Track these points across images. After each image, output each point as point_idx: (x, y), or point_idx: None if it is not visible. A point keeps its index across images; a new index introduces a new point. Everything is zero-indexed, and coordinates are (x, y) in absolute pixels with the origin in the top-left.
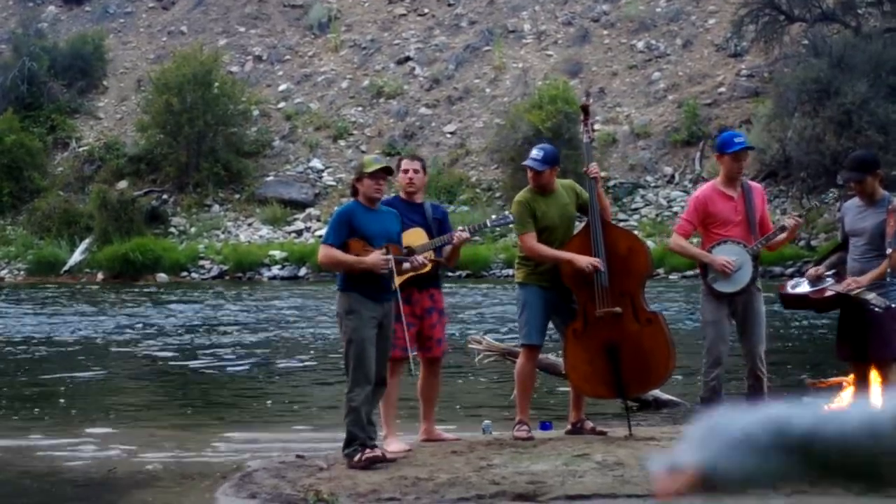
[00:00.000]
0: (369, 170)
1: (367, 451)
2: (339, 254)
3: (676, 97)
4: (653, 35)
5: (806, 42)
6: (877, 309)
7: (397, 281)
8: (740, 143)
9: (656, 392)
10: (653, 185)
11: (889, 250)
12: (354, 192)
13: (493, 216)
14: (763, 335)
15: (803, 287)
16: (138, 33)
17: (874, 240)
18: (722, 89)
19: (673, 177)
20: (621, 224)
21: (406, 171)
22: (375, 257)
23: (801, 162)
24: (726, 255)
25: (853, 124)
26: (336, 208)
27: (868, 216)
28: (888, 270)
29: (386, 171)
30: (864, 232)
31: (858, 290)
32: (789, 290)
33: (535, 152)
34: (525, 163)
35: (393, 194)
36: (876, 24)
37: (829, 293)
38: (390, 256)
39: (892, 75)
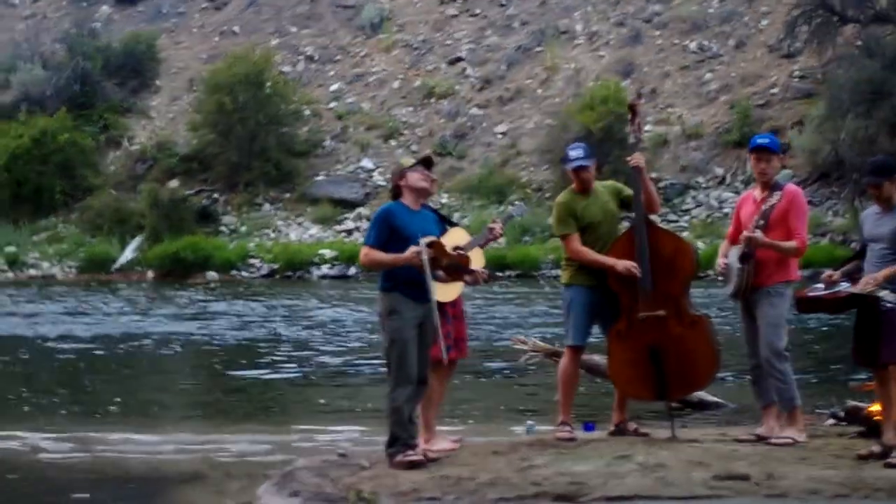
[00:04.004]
0: (410, 164)
1: (410, 451)
2: (378, 254)
3: (728, 98)
4: (705, 36)
5: (859, 43)
6: (889, 304)
7: (458, 290)
8: (752, 142)
9: (701, 393)
10: (704, 186)
11: None
12: (395, 195)
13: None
14: (769, 336)
15: (818, 291)
16: (191, 33)
17: (892, 244)
18: (774, 90)
19: (724, 178)
20: (672, 225)
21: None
22: (411, 253)
23: (853, 164)
24: (730, 256)
25: None
26: (377, 209)
27: (886, 221)
28: None
29: (426, 163)
30: (882, 237)
31: (873, 289)
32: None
33: (575, 151)
34: (571, 165)
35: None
36: None
37: (843, 293)
38: (422, 247)
39: None
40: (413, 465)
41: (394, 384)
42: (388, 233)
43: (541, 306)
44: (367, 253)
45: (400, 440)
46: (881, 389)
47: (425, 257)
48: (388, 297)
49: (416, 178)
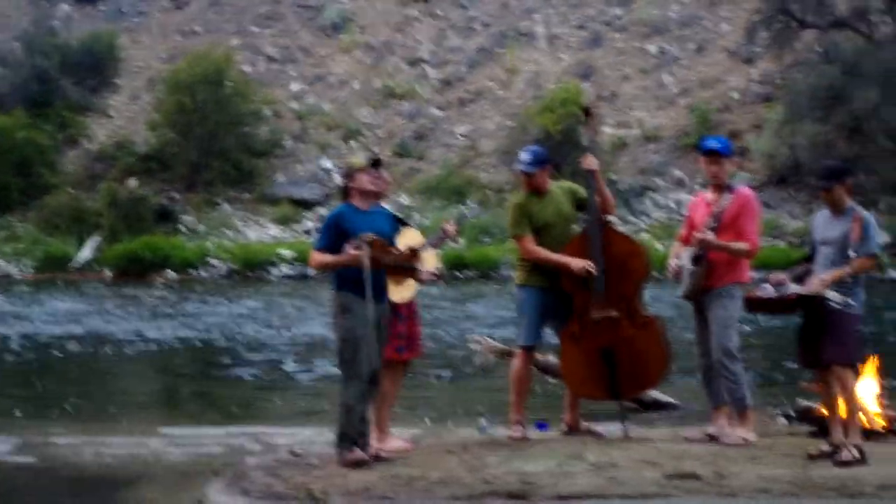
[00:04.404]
0: (360, 165)
1: (357, 450)
2: (325, 256)
3: (688, 101)
4: (665, 39)
5: (818, 48)
6: (834, 304)
7: (413, 290)
8: (703, 146)
9: (654, 393)
10: (663, 188)
11: (852, 254)
12: (345, 196)
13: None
14: (720, 337)
15: (766, 291)
16: (151, 32)
17: (841, 249)
18: (734, 94)
19: (683, 181)
20: (630, 227)
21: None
22: (354, 254)
23: (810, 168)
24: (682, 258)
25: (863, 131)
26: (328, 213)
27: (836, 225)
28: (850, 274)
29: (376, 164)
30: (831, 241)
31: (820, 290)
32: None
33: (524, 155)
34: (515, 167)
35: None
36: (888, 30)
37: (790, 294)
38: (362, 246)
39: None
40: (358, 464)
41: (345, 382)
42: (338, 236)
43: (498, 307)
44: (314, 256)
45: (348, 437)
46: (825, 390)
47: (363, 254)
48: (339, 295)
49: (364, 181)
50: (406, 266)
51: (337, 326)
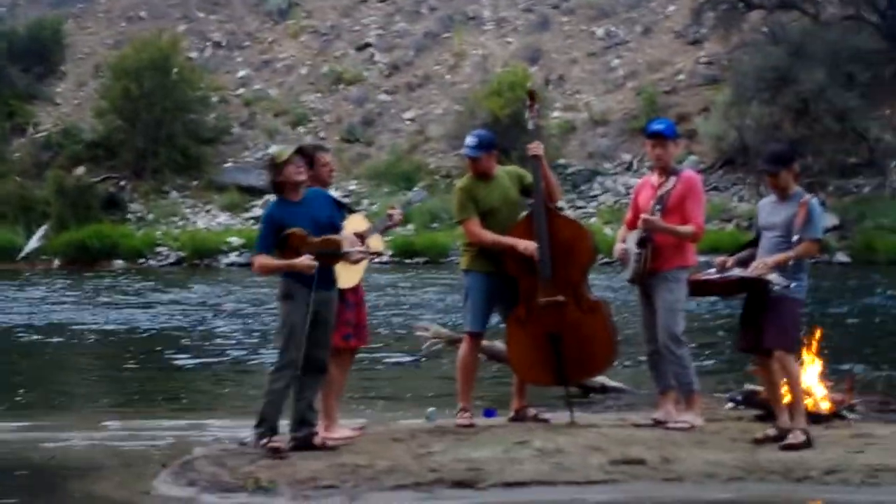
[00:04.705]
0: (285, 157)
1: (274, 439)
2: (270, 261)
3: (635, 84)
4: (612, 22)
5: (765, 30)
6: (776, 287)
7: (359, 275)
8: (647, 128)
9: (603, 379)
10: (611, 172)
11: (795, 238)
12: (277, 189)
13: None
14: (666, 321)
15: (709, 274)
16: (97, 18)
17: (786, 233)
18: (681, 77)
19: (631, 164)
20: (579, 211)
21: (327, 164)
22: (303, 262)
23: (758, 150)
24: (628, 241)
25: (810, 112)
26: (263, 213)
27: (781, 210)
28: (794, 258)
29: (300, 153)
30: (776, 225)
31: (763, 273)
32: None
33: (470, 139)
34: (460, 151)
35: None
36: (834, 11)
37: (734, 277)
38: (316, 264)
39: (849, 63)
40: (274, 452)
41: (277, 366)
42: (276, 234)
43: (447, 293)
44: (257, 260)
45: (267, 422)
46: (766, 375)
47: (304, 262)
48: (284, 282)
49: (291, 172)
50: (330, 252)
51: (279, 311)
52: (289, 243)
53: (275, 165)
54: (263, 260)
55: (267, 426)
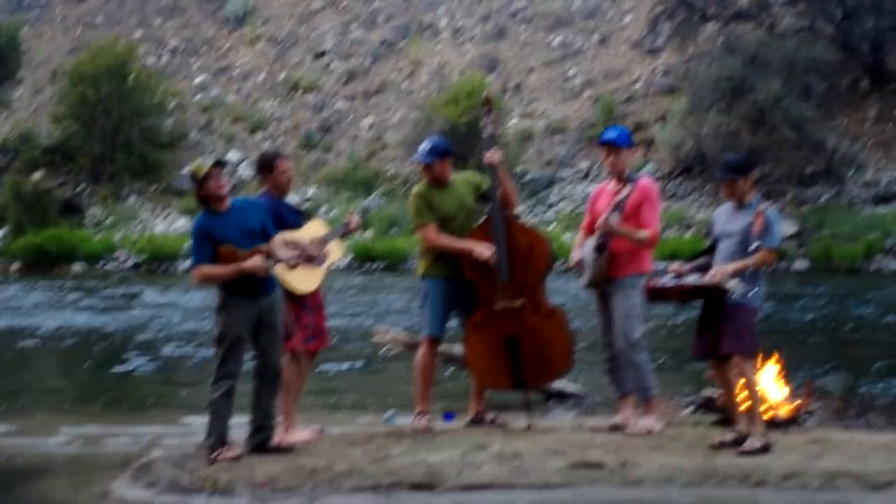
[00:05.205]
0: (204, 172)
1: (225, 448)
2: (211, 270)
3: (592, 93)
4: (569, 31)
5: (721, 40)
6: (734, 295)
7: (319, 280)
8: (601, 137)
9: (560, 383)
10: (569, 179)
11: (753, 247)
12: (204, 203)
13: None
14: (623, 327)
15: (665, 281)
16: (53, 25)
17: (742, 242)
18: (637, 86)
19: (589, 172)
20: (537, 218)
21: (286, 171)
22: (255, 262)
23: (715, 158)
24: (586, 247)
25: (767, 121)
26: (191, 227)
27: (738, 218)
28: (751, 267)
29: (219, 165)
30: (733, 233)
31: (720, 280)
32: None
33: (423, 146)
34: (413, 158)
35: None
36: (791, 22)
37: (689, 284)
38: (271, 262)
39: (805, 73)
40: (231, 461)
41: (216, 377)
42: (210, 245)
43: (406, 298)
44: (196, 273)
45: (214, 434)
46: (723, 380)
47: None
48: (221, 293)
49: (212, 187)
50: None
51: (215, 322)
52: (220, 261)
53: (197, 180)
54: (207, 269)
55: (215, 438)
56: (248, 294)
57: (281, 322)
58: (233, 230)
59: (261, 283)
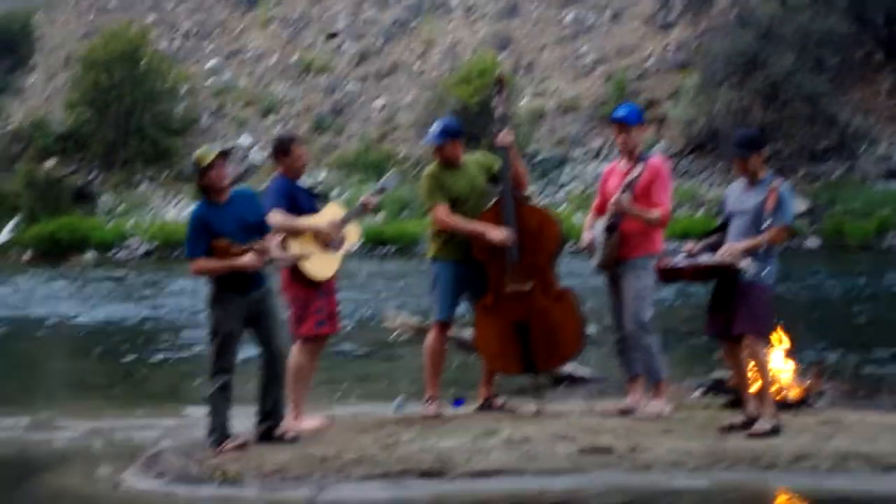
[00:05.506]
0: (209, 161)
1: (229, 440)
2: (207, 263)
3: (604, 70)
4: (581, 7)
5: (734, 13)
6: (747, 274)
7: (335, 266)
8: (612, 115)
9: (571, 367)
10: (581, 159)
11: (765, 224)
12: (203, 192)
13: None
14: (634, 309)
15: (678, 260)
16: (66, 10)
17: (755, 219)
18: (650, 62)
19: (601, 151)
20: (549, 198)
21: (302, 155)
22: (249, 259)
23: (728, 134)
24: (596, 228)
25: (780, 96)
26: (189, 215)
27: (751, 196)
28: (764, 244)
29: (223, 156)
30: (745, 211)
31: (733, 259)
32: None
33: (434, 127)
34: (424, 140)
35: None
36: None
37: (702, 263)
38: (264, 258)
39: (818, 47)
40: (237, 449)
41: (211, 373)
42: (207, 235)
43: (417, 282)
44: (192, 266)
45: (216, 429)
46: (734, 361)
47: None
48: (214, 287)
49: (213, 177)
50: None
51: (208, 317)
52: (214, 254)
53: (199, 168)
54: (203, 263)
55: (218, 433)
56: (238, 290)
57: (274, 308)
58: (230, 222)
59: (251, 279)
